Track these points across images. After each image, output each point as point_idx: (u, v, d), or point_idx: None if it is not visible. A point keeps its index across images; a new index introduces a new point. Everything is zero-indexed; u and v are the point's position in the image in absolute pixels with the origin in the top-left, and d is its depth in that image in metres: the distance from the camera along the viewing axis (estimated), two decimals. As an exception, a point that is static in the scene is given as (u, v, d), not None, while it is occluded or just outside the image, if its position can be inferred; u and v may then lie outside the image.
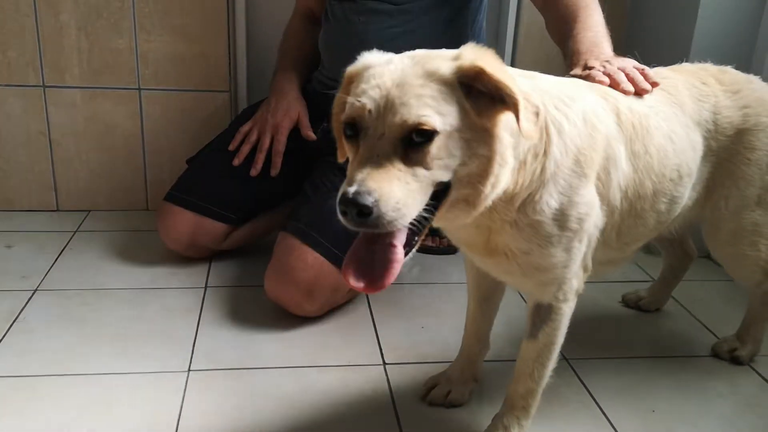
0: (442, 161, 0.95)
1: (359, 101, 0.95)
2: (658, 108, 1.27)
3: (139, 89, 2.25)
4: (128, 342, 1.59)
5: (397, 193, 0.92)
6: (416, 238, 1.01)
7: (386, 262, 0.99)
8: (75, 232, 2.18)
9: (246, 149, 1.89)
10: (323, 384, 1.47)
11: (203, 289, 1.86)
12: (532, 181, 1.06)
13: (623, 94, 1.24)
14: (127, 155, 2.32)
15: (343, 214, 0.93)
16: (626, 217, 1.24)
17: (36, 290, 1.80)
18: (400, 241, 0.99)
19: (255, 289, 1.83)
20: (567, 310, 1.22)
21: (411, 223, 0.96)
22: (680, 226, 1.48)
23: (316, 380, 1.48)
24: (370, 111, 0.95)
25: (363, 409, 1.39)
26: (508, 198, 1.06)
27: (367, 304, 1.81)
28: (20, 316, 1.67)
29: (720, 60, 1.48)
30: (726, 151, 1.37)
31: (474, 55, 0.97)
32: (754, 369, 1.60)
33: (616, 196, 1.19)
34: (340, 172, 1.74)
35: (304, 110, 1.92)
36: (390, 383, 1.47)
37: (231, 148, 1.91)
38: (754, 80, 1.45)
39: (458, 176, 0.98)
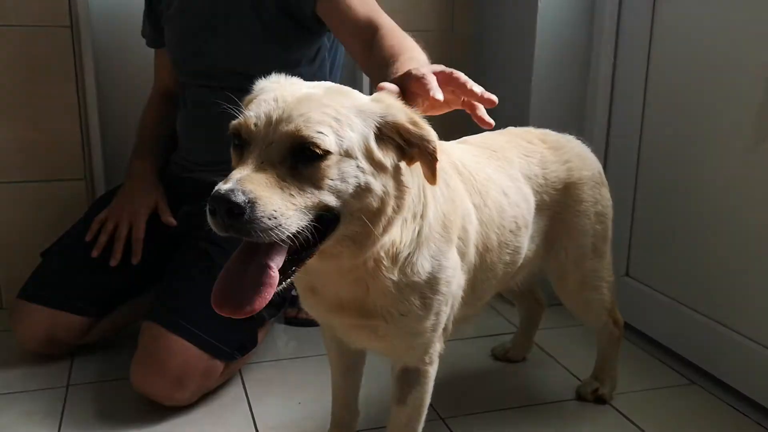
0: (332, 183, 0.92)
1: (248, 113, 0.93)
2: (484, 162, 1.36)
3: (-14, 183, 2.14)
4: (-20, 457, 1.47)
5: (277, 201, 0.88)
6: (294, 268, 0.96)
7: (258, 284, 0.91)
8: None
9: (104, 239, 1.83)
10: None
11: (65, 389, 1.75)
12: (412, 241, 1.08)
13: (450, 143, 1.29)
14: (-23, 253, 2.18)
15: (212, 213, 0.86)
16: (479, 272, 1.30)
17: None
18: (276, 263, 0.93)
19: (121, 382, 1.75)
20: (433, 372, 1.26)
21: (291, 250, 0.93)
22: (525, 277, 1.57)
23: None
24: (256, 124, 0.92)
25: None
26: (393, 255, 1.06)
27: (241, 385, 1.77)
28: None
29: (556, 124, 1.63)
30: (558, 204, 1.48)
31: (398, 104, 1.00)
32: (613, 406, 1.70)
33: (472, 252, 1.25)
34: (203, 254, 1.73)
35: (162, 195, 1.90)
36: (268, 465, 1.45)
37: (88, 238, 1.85)
38: (571, 138, 1.60)
39: (349, 209, 0.95)
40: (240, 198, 0.85)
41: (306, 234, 0.92)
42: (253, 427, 1.59)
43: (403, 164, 1.02)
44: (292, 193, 0.90)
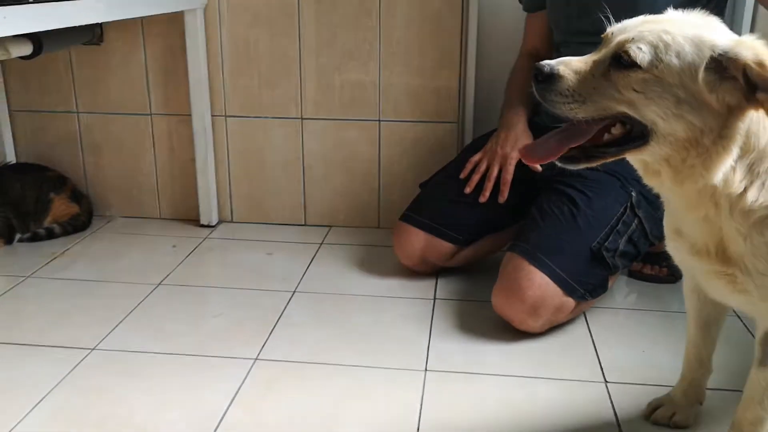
0: (633, 95, 1.03)
1: (616, 25, 1.12)
2: None
3: (379, 120, 2.54)
4: (372, 341, 1.83)
5: (574, 83, 1.07)
6: (591, 156, 1.12)
7: (545, 151, 1.15)
8: (321, 244, 2.51)
9: (476, 178, 2.08)
10: (547, 394, 1.60)
11: (432, 301, 2.07)
12: None
13: None
14: (365, 178, 2.62)
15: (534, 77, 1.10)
16: None
17: (294, 291, 2.12)
18: (572, 142, 1.12)
19: (480, 303, 2.01)
20: None
21: (596, 143, 1.11)
22: None
23: (541, 391, 1.61)
24: (613, 32, 1.10)
25: (587, 422, 1.50)
26: (742, 210, 1.07)
27: (586, 325, 1.91)
28: (284, 312, 1.99)
29: None
30: None
31: (752, 44, 1.00)
32: None
33: None
34: (568, 200, 1.87)
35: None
36: (612, 400, 1.57)
37: (462, 176, 2.11)
38: None
39: (658, 130, 1.04)
40: (546, 69, 1.08)
41: (610, 137, 1.10)
42: (598, 363, 1.72)
43: (759, 114, 1.01)
44: (595, 85, 1.06)
